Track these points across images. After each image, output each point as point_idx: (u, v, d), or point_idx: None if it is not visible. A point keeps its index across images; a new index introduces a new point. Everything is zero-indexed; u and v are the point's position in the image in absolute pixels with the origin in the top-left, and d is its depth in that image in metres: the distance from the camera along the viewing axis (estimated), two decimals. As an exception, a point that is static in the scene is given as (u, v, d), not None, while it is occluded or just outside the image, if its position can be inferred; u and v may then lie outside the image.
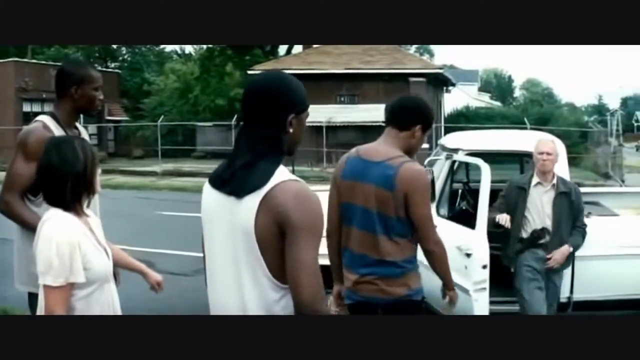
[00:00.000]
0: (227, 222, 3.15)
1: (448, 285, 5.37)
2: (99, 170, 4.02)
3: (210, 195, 3.27)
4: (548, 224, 7.76)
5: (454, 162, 8.33)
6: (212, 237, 3.27)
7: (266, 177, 3.04)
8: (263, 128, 3.14)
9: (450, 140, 9.49)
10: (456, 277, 7.02)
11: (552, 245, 7.65)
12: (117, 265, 4.75)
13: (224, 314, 3.18)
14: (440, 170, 8.59)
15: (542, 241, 7.73)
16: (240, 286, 3.11)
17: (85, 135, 5.22)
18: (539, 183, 7.82)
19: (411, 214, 4.84)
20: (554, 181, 7.76)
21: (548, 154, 7.67)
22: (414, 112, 5.09)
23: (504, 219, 7.61)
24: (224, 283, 3.19)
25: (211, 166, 37.25)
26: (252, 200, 3.03)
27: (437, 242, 5.01)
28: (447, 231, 7.11)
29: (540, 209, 7.78)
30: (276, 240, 3.01)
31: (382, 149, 4.99)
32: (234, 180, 3.12)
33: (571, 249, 7.68)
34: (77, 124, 5.27)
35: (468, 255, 7.23)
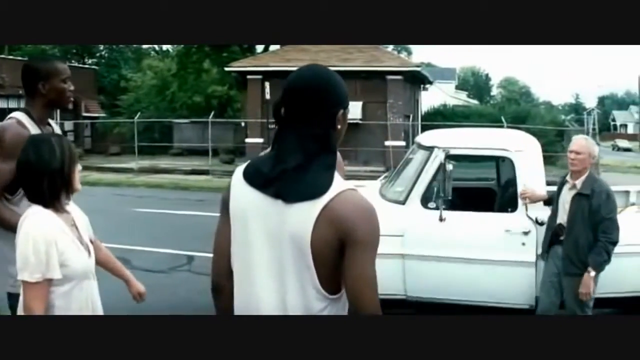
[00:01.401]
0: (270, 226, 2.95)
1: None
2: (78, 167, 4.03)
3: (247, 193, 3.02)
4: (563, 221, 7.72)
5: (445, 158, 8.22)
6: (248, 239, 3.02)
7: (325, 185, 2.88)
8: (314, 126, 2.97)
9: (427, 138, 9.52)
10: (517, 256, 8.24)
11: (566, 245, 7.55)
12: (103, 268, 4.77)
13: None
14: (423, 166, 8.62)
15: (561, 237, 7.69)
16: (283, 294, 2.94)
17: (57, 130, 5.17)
18: (566, 181, 7.80)
19: None
20: (579, 181, 7.58)
21: (576, 152, 7.60)
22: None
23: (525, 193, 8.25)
24: (264, 288, 2.98)
25: (188, 163, 37.33)
26: (309, 209, 2.85)
27: None
28: (476, 221, 8.49)
29: (562, 206, 7.75)
30: (334, 253, 2.85)
31: None
32: (283, 182, 2.91)
33: (592, 274, 7.35)
34: (50, 120, 5.20)
35: (526, 233, 8.27)
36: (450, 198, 8.09)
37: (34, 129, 4.82)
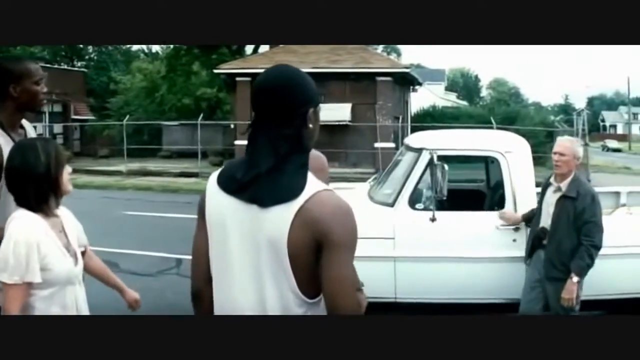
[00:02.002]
0: (246, 231, 2.91)
1: None
2: (68, 170, 4.01)
3: (221, 200, 2.99)
4: (546, 225, 7.55)
5: (431, 159, 8.16)
6: (225, 246, 2.98)
7: (299, 187, 2.85)
8: (284, 126, 2.92)
9: (415, 139, 9.47)
10: (508, 252, 8.20)
11: (549, 249, 7.40)
12: (95, 277, 4.74)
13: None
14: (412, 168, 8.58)
15: (544, 242, 7.54)
16: (261, 299, 2.91)
17: (32, 133, 4.97)
18: (550, 183, 7.64)
19: None
20: (564, 183, 7.39)
21: (560, 154, 7.41)
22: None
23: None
24: (242, 294, 2.95)
25: (177, 165, 37.32)
26: (284, 212, 2.82)
27: None
28: (466, 220, 8.50)
29: (546, 210, 7.60)
30: (312, 256, 2.83)
31: None
32: (257, 187, 2.88)
33: (575, 280, 7.14)
34: (24, 122, 5.00)
35: (516, 229, 8.32)
36: (445, 198, 8.06)
37: (2, 137, 4.66)
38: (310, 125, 2.99)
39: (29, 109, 4.91)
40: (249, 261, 2.91)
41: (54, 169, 3.88)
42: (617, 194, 10.49)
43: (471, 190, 10.84)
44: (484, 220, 8.37)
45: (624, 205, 10.29)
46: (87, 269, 4.32)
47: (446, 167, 7.93)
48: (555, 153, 7.47)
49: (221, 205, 2.99)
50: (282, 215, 2.82)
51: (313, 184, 2.89)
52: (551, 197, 7.53)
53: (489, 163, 10.12)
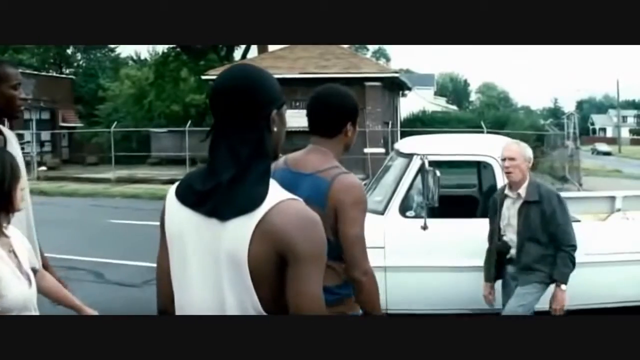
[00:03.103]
0: (206, 247, 2.68)
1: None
2: (21, 185, 3.67)
3: (180, 213, 2.76)
4: (512, 237, 7.07)
5: (422, 164, 7.91)
6: (186, 263, 2.76)
7: (260, 196, 2.61)
8: (245, 130, 2.69)
9: (406, 145, 9.27)
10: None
11: (523, 258, 6.90)
12: (49, 298, 4.42)
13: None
14: (403, 174, 8.35)
15: (508, 256, 7.12)
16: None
17: (12, 139, 4.66)
18: (507, 195, 7.12)
19: (339, 232, 4.13)
20: (522, 189, 6.91)
21: (510, 159, 6.88)
22: (340, 112, 4.42)
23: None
24: (204, 312, 2.72)
25: (165, 172, 37.28)
26: (244, 224, 2.58)
27: (367, 271, 4.17)
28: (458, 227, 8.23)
29: (508, 223, 7.09)
30: (275, 271, 2.60)
31: (314, 158, 4.39)
32: (216, 198, 2.64)
33: (564, 288, 6.74)
34: (4, 130, 4.72)
35: None
36: (437, 205, 7.76)
37: None
38: (275, 129, 2.77)
39: (6, 115, 4.70)
40: (210, 278, 2.68)
41: (7, 183, 3.54)
42: (613, 198, 10.27)
43: (463, 196, 10.62)
44: (478, 228, 8.12)
45: (619, 210, 10.07)
46: (40, 291, 4.00)
47: (438, 172, 7.68)
48: (504, 159, 6.98)
49: (180, 219, 2.76)
50: (241, 228, 2.59)
51: (276, 193, 2.66)
52: (512, 208, 7.07)
53: (481, 168, 9.92)
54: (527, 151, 7.08)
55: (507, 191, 7.12)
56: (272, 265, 2.58)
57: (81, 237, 16.57)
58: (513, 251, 7.08)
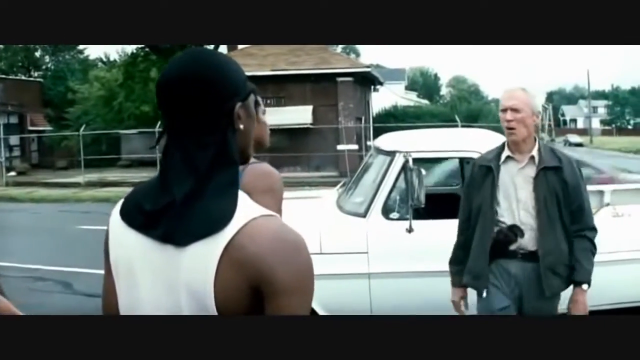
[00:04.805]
0: (160, 278, 2.12)
1: None
2: None
3: (127, 238, 2.19)
4: (522, 218, 5.17)
5: (405, 162, 7.49)
6: (136, 296, 2.19)
7: (224, 215, 2.04)
8: (203, 131, 2.11)
9: (386, 141, 8.86)
10: None
11: (546, 261, 5.10)
12: None
13: None
14: (385, 173, 7.95)
15: (512, 247, 5.20)
16: None
17: None
18: (509, 157, 5.23)
19: None
20: (533, 152, 5.15)
21: (513, 109, 5.09)
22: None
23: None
24: None
25: (137, 174, 36.97)
26: (207, 251, 2.02)
27: None
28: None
29: (512, 196, 5.21)
30: (248, 307, 2.04)
31: None
32: (170, 219, 2.07)
33: (586, 288, 5.09)
34: None
35: None
36: (423, 206, 7.33)
37: None
38: (241, 126, 2.17)
39: None
40: (167, 314, 2.10)
41: None
42: (601, 192, 9.91)
43: (448, 194, 10.21)
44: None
45: (608, 204, 9.70)
46: None
47: (423, 171, 7.28)
48: (505, 110, 5.17)
49: (127, 245, 2.18)
50: (204, 255, 2.02)
51: (246, 209, 2.08)
52: (517, 177, 5.21)
53: (464, 164, 9.52)
54: (536, 102, 5.31)
55: (508, 155, 5.27)
56: (244, 299, 2.03)
57: (49, 245, 16.25)
58: (524, 240, 5.21)
